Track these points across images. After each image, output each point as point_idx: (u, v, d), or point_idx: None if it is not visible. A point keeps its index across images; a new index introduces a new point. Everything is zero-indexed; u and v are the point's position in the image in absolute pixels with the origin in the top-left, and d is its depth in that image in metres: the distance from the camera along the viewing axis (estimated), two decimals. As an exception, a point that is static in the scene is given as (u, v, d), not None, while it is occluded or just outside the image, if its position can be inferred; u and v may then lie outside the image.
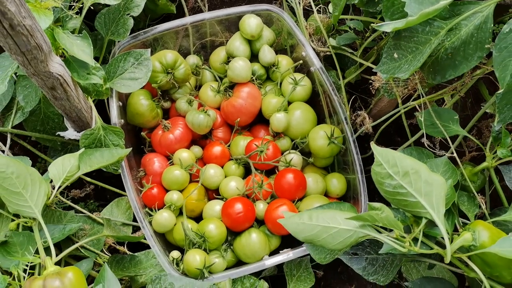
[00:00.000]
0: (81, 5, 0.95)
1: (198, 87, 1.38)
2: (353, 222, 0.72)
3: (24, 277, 0.75)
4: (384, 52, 0.91)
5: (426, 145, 0.93)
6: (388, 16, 0.85)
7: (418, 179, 0.72)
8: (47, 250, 0.76)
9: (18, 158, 0.85)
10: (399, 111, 1.14)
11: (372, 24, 0.74)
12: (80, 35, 0.87)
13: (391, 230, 0.76)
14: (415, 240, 0.74)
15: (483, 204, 0.86)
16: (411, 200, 0.72)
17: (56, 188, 0.79)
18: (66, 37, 0.85)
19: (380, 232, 0.75)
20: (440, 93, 1.00)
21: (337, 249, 0.75)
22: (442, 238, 0.73)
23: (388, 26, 0.73)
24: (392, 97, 1.15)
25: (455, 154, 0.90)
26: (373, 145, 0.76)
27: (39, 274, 0.75)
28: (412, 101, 1.07)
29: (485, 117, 1.27)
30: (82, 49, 0.86)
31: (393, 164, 0.73)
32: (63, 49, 0.90)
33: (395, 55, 0.88)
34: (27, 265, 0.75)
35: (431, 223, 0.76)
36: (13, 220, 0.78)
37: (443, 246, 0.77)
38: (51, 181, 0.81)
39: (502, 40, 0.71)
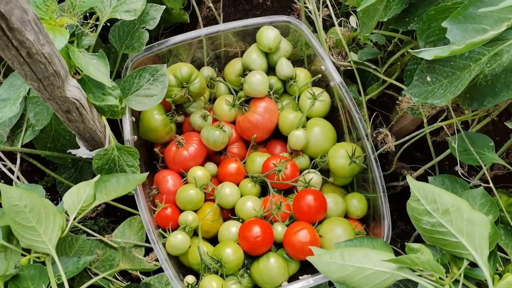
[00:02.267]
0: (96, 21, 0.90)
1: (212, 99, 1.34)
2: (389, 263, 0.68)
3: (37, 317, 0.70)
4: (416, 74, 0.86)
5: (460, 174, 0.88)
6: (423, 38, 0.80)
7: (459, 217, 0.67)
8: (60, 286, 0.72)
9: (30, 187, 0.81)
10: (423, 130, 1.09)
11: (410, 51, 0.70)
12: (96, 54, 0.82)
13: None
14: (455, 281, 0.70)
15: (522, 238, 0.82)
16: (451, 240, 0.68)
17: (70, 220, 0.74)
18: (82, 56, 0.80)
19: (415, 272, 0.70)
20: (470, 116, 0.95)
21: (371, 291, 0.71)
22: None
23: (428, 53, 0.68)
24: (417, 116, 1.10)
25: (491, 184, 0.86)
26: (409, 178, 0.71)
27: (52, 313, 0.71)
28: (440, 121, 1.03)
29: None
30: (98, 69, 0.81)
31: (431, 200, 0.69)
32: (77, 67, 0.85)
33: (428, 79, 0.83)
34: (40, 304, 0.71)
35: (471, 263, 0.71)
36: (23, 255, 0.74)
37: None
38: (66, 212, 0.77)
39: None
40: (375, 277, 0.68)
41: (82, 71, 0.85)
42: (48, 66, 0.61)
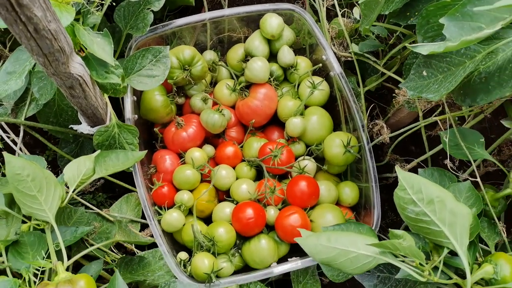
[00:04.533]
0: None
1: (213, 83, 1.36)
2: (373, 247, 0.71)
3: (34, 282, 0.73)
4: (413, 68, 0.88)
5: (449, 167, 0.90)
6: (421, 33, 0.81)
7: (443, 208, 0.70)
8: (58, 253, 0.75)
9: (32, 158, 0.83)
10: (418, 124, 1.11)
11: (407, 45, 0.71)
12: (101, 32, 0.84)
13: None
14: (435, 268, 0.73)
15: (504, 232, 0.85)
16: (433, 229, 0.71)
17: (70, 191, 0.77)
18: (87, 34, 0.82)
19: (397, 257, 0.73)
20: (466, 112, 0.97)
21: (355, 273, 0.74)
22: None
23: (424, 48, 0.70)
24: (413, 110, 1.12)
25: (478, 179, 0.88)
26: (398, 169, 0.74)
27: (49, 279, 0.74)
28: (435, 116, 1.05)
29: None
30: (102, 47, 0.83)
31: (417, 190, 0.72)
32: (82, 45, 0.87)
33: (424, 73, 0.85)
34: (37, 269, 0.74)
35: (452, 252, 0.74)
36: (24, 222, 0.77)
37: (461, 276, 0.76)
38: (66, 184, 0.79)
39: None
40: (358, 260, 0.71)
41: (86, 49, 0.87)
42: (54, 42, 0.63)
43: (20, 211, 0.77)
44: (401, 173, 0.73)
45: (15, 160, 0.69)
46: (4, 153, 0.70)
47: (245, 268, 1.15)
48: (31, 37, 0.60)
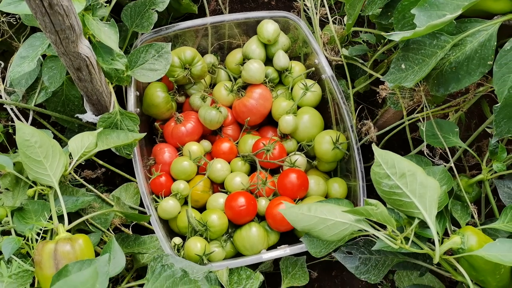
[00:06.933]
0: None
1: (212, 85, 1.44)
2: (349, 215, 0.76)
3: (37, 240, 0.79)
4: (393, 62, 0.95)
5: (425, 153, 0.97)
6: (399, 28, 0.89)
7: (414, 181, 0.76)
8: (60, 218, 0.81)
9: (41, 131, 0.91)
10: (404, 122, 1.18)
11: (382, 33, 0.79)
12: (108, 22, 0.93)
13: (385, 228, 0.80)
14: (407, 239, 0.78)
15: (475, 213, 0.90)
16: (405, 201, 0.77)
17: (73, 162, 0.84)
18: (95, 23, 0.91)
19: (374, 228, 0.79)
20: (444, 108, 1.04)
21: (332, 241, 0.79)
22: (433, 242, 0.77)
23: (397, 36, 0.78)
24: (398, 109, 1.19)
25: (452, 165, 0.94)
26: (374, 146, 0.81)
27: (51, 239, 0.80)
28: (417, 113, 1.12)
29: (486, 136, 1.31)
30: (109, 35, 0.91)
31: (391, 165, 0.78)
32: (91, 34, 0.96)
33: (403, 66, 0.93)
34: (40, 229, 0.80)
35: (424, 225, 0.79)
36: (31, 187, 0.83)
37: (433, 249, 0.81)
38: (70, 155, 0.86)
39: (502, 56, 0.76)
40: (336, 227, 0.76)
41: (94, 38, 0.96)
42: (65, 19, 0.71)
43: (28, 179, 0.84)
44: (377, 150, 0.79)
45: (25, 127, 0.77)
46: (16, 121, 0.77)
47: (237, 256, 1.20)
48: (46, 12, 0.68)
